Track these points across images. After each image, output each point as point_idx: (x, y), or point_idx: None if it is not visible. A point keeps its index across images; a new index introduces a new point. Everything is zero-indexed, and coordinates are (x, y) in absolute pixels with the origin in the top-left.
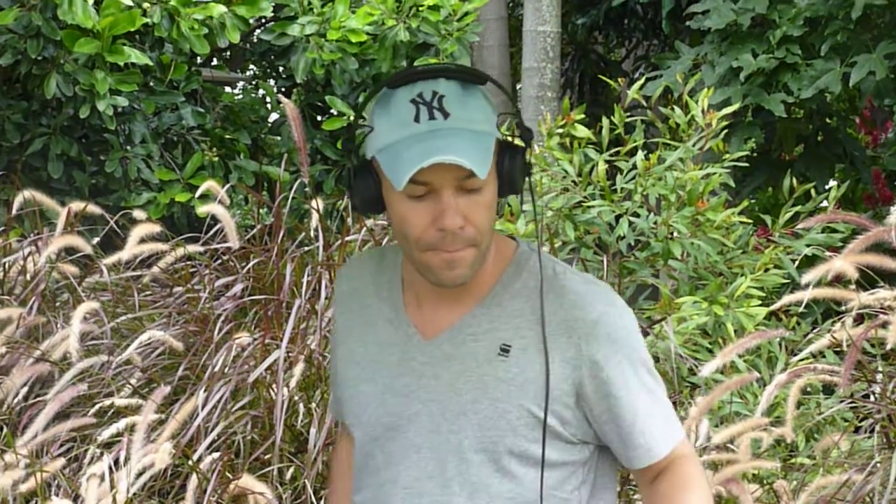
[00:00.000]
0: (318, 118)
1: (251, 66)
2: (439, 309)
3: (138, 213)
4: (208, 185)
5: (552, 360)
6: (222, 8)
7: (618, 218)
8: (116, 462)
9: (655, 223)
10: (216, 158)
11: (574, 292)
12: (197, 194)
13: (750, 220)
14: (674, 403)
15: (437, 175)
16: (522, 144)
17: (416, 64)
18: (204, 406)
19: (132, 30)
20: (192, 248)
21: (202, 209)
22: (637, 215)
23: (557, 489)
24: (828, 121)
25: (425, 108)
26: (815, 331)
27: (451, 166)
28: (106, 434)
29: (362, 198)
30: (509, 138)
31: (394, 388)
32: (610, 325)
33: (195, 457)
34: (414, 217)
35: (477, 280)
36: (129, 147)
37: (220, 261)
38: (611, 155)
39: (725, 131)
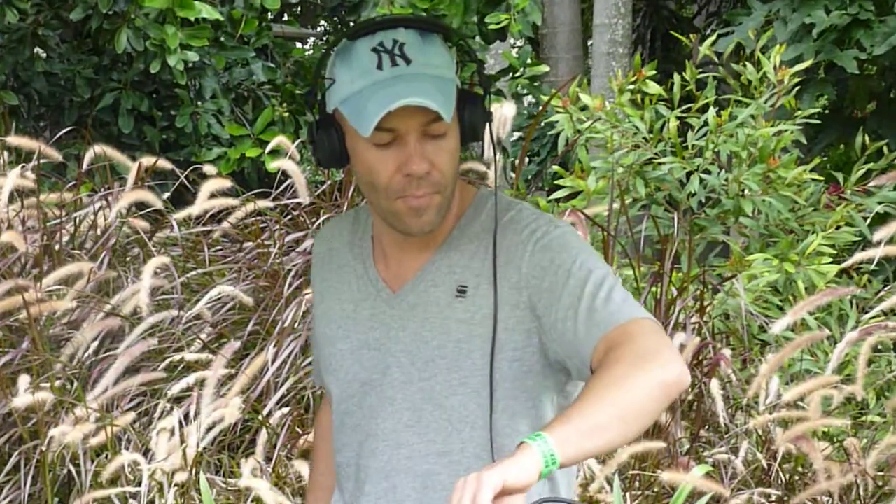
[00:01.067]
0: None
1: (321, 22)
2: (403, 261)
3: (208, 168)
4: (279, 140)
5: (501, 289)
6: None
7: (689, 175)
8: (186, 416)
9: (726, 180)
10: (286, 114)
11: (522, 223)
12: (267, 150)
13: (821, 178)
14: (744, 361)
15: (403, 121)
16: (481, 92)
17: (486, 20)
18: (274, 361)
19: None
20: (263, 204)
21: (272, 164)
22: (708, 172)
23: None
24: None
25: (387, 56)
26: (886, 288)
27: (416, 112)
28: (176, 389)
29: (326, 151)
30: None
31: (367, 343)
32: (544, 237)
33: (265, 412)
34: (381, 165)
35: (439, 228)
36: (199, 102)
37: (290, 216)
38: (682, 111)
39: (797, 88)
